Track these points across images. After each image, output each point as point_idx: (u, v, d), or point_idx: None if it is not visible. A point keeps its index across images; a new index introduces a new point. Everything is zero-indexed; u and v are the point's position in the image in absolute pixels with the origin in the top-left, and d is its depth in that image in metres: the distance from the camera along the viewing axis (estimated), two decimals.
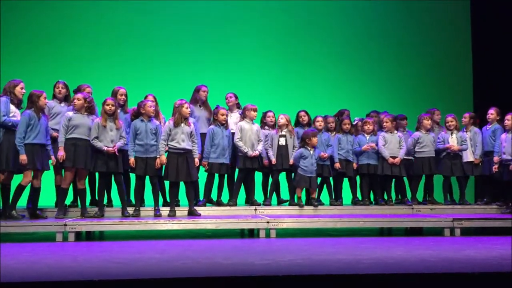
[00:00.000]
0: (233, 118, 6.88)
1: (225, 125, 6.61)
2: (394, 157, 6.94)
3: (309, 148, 6.63)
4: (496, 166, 6.65)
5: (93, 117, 5.89)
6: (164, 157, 6.07)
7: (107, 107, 5.87)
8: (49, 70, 8.46)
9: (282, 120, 6.85)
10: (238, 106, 7.05)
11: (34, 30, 8.98)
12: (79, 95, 5.88)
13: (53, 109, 6.18)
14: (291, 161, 6.75)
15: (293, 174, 6.89)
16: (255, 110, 6.74)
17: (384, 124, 7.10)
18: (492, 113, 7.06)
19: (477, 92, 9.97)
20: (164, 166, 6.12)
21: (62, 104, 6.28)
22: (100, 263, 3.86)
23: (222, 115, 6.57)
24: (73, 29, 9.17)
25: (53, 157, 5.76)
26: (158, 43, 9.37)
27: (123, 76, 8.62)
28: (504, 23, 9.14)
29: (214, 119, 6.66)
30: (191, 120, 6.32)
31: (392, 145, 7.01)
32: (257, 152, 6.60)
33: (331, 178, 7.08)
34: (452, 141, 7.07)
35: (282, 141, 6.79)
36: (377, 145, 7.00)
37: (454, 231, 5.86)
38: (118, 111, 6.07)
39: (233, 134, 6.72)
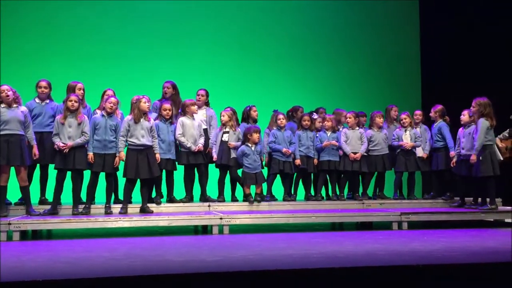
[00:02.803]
0: (199, 115, 6.81)
1: (169, 120, 6.52)
2: (355, 153, 7.06)
3: (250, 145, 6.66)
4: (453, 161, 6.76)
5: (21, 108, 5.63)
6: (123, 154, 5.95)
7: (70, 103, 5.73)
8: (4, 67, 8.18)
9: (224, 117, 6.84)
10: (207, 103, 7.01)
11: None
12: (7, 87, 5.58)
13: None
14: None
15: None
16: (193, 105, 6.67)
17: (347, 120, 7.21)
18: (431, 111, 7.30)
19: (425, 90, 10.30)
20: (122, 163, 6.00)
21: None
22: (45, 262, 3.73)
23: (165, 110, 6.45)
24: (27, 25, 8.84)
25: None
26: (115, 39, 9.18)
27: (78, 72, 8.33)
28: (452, 23, 9.45)
29: (158, 114, 6.56)
30: (151, 115, 6.26)
31: (354, 141, 7.12)
32: (200, 146, 6.53)
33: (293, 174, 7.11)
34: (406, 138, 7.25)
35: (225, 137, 6.77)
36: (338, 141, 7.10)
37: (401, 224, 6.05)
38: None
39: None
